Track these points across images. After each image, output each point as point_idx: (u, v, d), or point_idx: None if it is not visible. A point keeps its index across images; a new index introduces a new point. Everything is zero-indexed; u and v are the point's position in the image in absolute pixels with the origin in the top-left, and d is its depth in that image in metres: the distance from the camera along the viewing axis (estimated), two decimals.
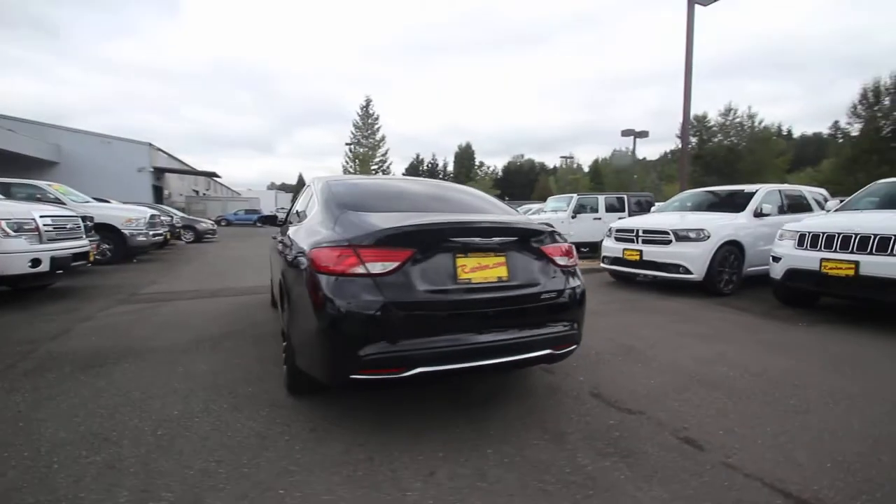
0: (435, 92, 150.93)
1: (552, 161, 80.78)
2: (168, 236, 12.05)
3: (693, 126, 49.62)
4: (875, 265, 4.20)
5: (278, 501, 1.75)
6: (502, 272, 2.29)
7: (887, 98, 35.15)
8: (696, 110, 52.69)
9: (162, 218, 11.36)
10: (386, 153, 45.19)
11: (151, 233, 10.02)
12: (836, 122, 44.27)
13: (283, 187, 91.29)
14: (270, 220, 4.65)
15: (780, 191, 7.24)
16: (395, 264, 2.08)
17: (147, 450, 2.11)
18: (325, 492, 1.81)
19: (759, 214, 6.64)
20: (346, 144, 42.87)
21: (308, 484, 1.86)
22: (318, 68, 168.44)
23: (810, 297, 5.36)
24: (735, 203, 7.06)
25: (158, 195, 26.86)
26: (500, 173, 73.23)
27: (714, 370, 3.29)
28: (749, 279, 6.56)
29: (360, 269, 2.06)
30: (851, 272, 4.33)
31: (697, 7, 10.66)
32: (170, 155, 30.81)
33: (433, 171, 72.52)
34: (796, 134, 66.51)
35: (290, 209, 4.41)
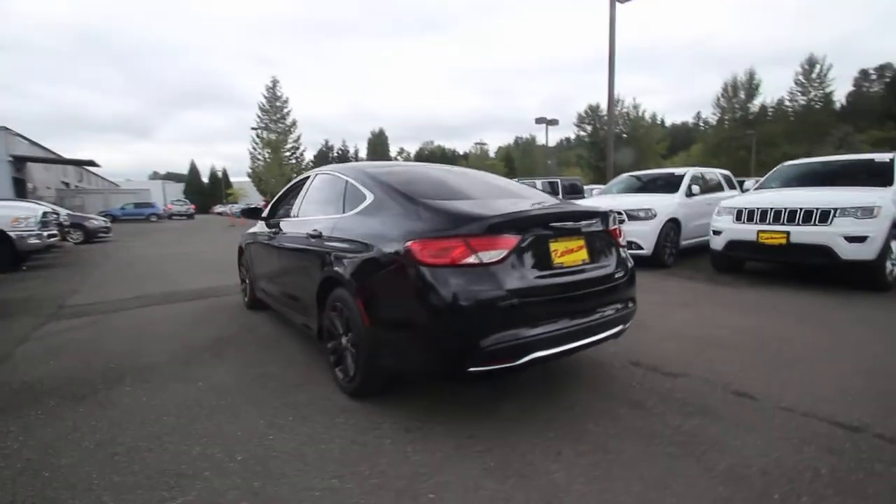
0: (337, 76, 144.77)
1: (461, 147, 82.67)
2: (59, 237, 10.21)
3: (588, 115, 53.98)
4: (802, 234, 5.06)
5: None
6: (584, 255, 2.39)
7: (742, 91, 41.79)
8: (588, 101, 57.29)
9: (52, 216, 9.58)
10: (298, 139, 42.49)
11: (45, 233, 8.42)
12: (699, 112, 51.27)
13: (170, 177, 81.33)
14: (254, 213, 4.20)
15: (702, 173, 8.29)
16: (505, 252, 2.06)
17: (243, 478, 1.87)
18: (473, 487, 1.78)
19: (689, 194, 7.55)
20: (253, 129, 39.14)
21: (450, 483, 1.80)
22: (200, 45, 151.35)
23: (739, 264, 6.29)
24: (667, 185, 7.94)
25: (20, 188, 22.42)
26: (413, 159, 73.14)
27: (707, 332, 3.74)
28: (682, 251, 7.46)
29: (472, 259, 2.01)
30: (784, 241, 5.17)
31: (615, 4, 11.59)
32: (31, 141, 25.77)
33: (344, 158, 70.02)
34: (668, 123, 75.74)
35: (280, 202, 4.02)
